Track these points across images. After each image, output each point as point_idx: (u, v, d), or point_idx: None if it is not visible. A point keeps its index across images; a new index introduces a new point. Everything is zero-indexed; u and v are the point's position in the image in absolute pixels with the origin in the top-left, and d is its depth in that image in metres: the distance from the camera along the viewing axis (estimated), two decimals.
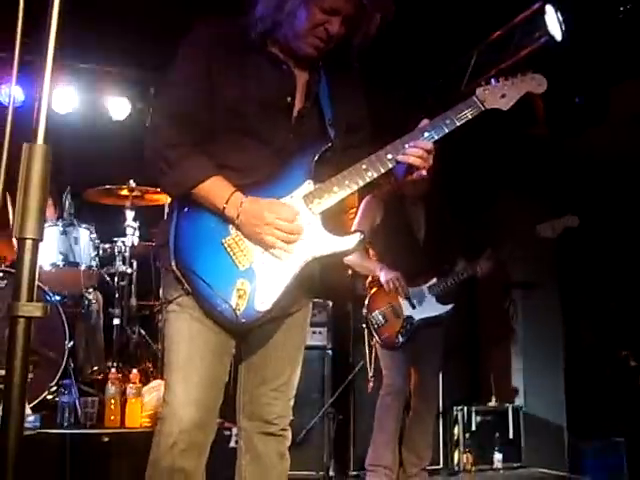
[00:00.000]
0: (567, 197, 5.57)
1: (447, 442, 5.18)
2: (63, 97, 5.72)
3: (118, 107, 5.98)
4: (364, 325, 4.30)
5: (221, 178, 2.04)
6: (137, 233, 5.04)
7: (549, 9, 4.61)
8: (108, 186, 5.04)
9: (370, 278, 4.36)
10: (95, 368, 4.70)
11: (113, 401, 4.02)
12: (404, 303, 4.18)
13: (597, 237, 5.72)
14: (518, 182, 5.82)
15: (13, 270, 4.03)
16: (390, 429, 4.18)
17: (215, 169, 2.05)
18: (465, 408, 5.25)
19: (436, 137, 2.12)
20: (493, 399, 5.50)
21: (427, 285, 4.23)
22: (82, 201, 5.11)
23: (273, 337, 2.22)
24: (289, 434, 2.30)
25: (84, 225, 4.87)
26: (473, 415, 5.23)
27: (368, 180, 2.09)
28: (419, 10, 4.69)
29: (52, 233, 4.69)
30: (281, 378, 2.25)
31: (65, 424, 3.93)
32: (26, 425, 3.55)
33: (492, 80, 2.21)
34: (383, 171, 2.10)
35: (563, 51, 4.79)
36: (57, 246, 4.70)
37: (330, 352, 4.82)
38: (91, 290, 4.82)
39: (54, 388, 4.17)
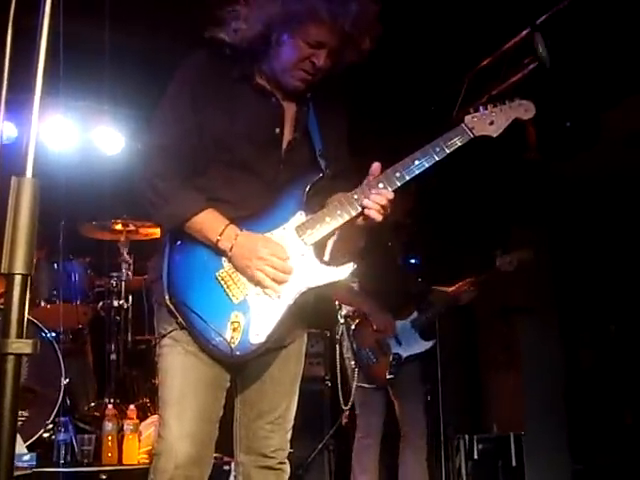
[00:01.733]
0: (562, 221, 5.58)
1: (449, 471, 5.11)
2: (57, 133, 5.73)
3: (111, 143, 5.99)
4: (353, 363, 4.21)
5: (214, 211, 2.05)
6: (132, 268, 5.02)
7: (537, 36, 4.65)
8: (102, 221, 5.03)
9: (354, 309, 4.32)
10: (92, 405, 4.65)
11: (110, 438, 3.98)
12: (390, 340, 4.15)
13: (594, 260, 5.72)
14: (508, 207, 5.83)
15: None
16: (373, 469, 4.17)
17: (208, 204, 2.06)
18: (467, 436, 5.19)
19: (427, 165, 2.13)
20: (494, 427, 5.45)
21: (410, 319, 4.21)
22: (77, 236, 5.09)
23: (269, 370, 2.21)
24: (287, 467, 2.27)
25: (79, 260, 4.85)
26: (475, 443, 5.17)
27: (360, 210, 2.10)
28: (409, 38, 4.75)
29: (47, 269, 4.67)
30: (278, 411, 2.24)
31: (62, 462, 3.88)
32: (22, 464, 3.49)
33: (480, 107, 2.23)
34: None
35: (552, 77, 4.83)
36: (52, 282, 4.68)
37: (329, 383, 4.78)
38: (86, 326, 4.79)
39: (50, 426, 4.11)
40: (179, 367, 2.07)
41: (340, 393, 4.27)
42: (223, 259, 2.05)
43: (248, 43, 2.10)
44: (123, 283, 4.97)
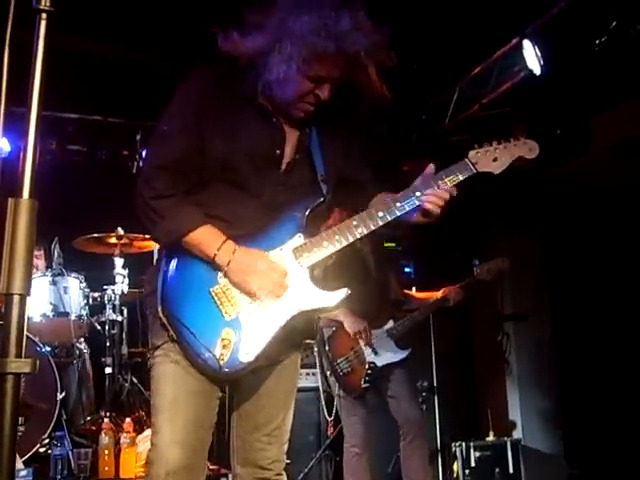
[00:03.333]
0: (555, 227, 5.61)
1: (447, 479, 5.12)
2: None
3: (103, 155, 6.00)
4: (329, 373, 4.22)
5: (212, 227, 2.05)
6: (126, 281, 5.03)
7: (527, 44, 4.69)
8: (96, 234, 5.03)
9: (330, 318, 4.32)
10: (88, 418, 4.64)
11: (107, 451, 3.97)
12: (366, 349, 4.16)
13: (587, 265, 5.74)
14: (503, 214, 5.85)
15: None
16: (364, 477, 4.14)
17: (206, 220, 2.06)
18: (463, 444, 5.19)
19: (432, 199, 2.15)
20: (491, 434, 5.45)
21: (386, 328, 4.22)
22: (70, 250, 5.09)
23: (264, 383, 2.21)
24: (284, 479, 2.27)
25: (73, 274, 4.86)
26: (472, 451, 5.17)
27: (358, 237, 2.12)
28: (399, 47, 4.77)
29: (42, 283, 4.68)
30: (274, 423, 2.24)
31: (58, 477, 3.88)
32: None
33: (485, 144, 2.24)
34: (373, 228, 2.13)
35: (542, 84, 4.86)
36: (47, 296, 4.69)
37: (323, 393, 4.78)
38: (82, 340, 4.79)
39: (46, 441, 4.11)
40: (170, 375, 2.07)
41: (322, 403, 4.29)
42: (219, 275, 2.06)
43: (251, 59, 2.09)
44: (118, 296, 4.97)
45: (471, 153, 2.21)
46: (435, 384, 4.99)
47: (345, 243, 2.12)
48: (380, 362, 4.16)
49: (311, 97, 2.09)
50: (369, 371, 4.12)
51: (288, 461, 2.31)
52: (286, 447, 2.28)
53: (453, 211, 2.21)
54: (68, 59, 4.47)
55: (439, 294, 4.33)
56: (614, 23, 4.50)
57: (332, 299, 2.11)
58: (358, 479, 4.15)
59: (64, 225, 5.05)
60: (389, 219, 2.14)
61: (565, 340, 5.83)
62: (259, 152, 2.13)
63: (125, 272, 5.03)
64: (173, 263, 2.08)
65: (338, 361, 4.18)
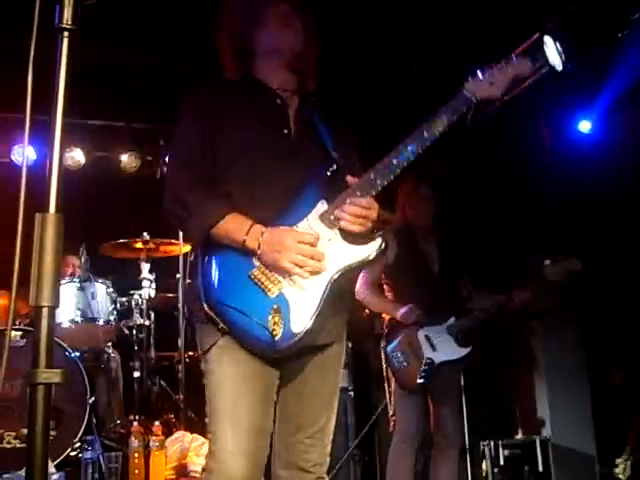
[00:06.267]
0: (582, 221, 5.55)
1: (475, 478, 5.09)
2: (73, 154, 5.81)
3: (128, 160, 6.06)
4: (384, 364, 4.24)
5: (237, 214, 2.09)
6: (153, 285, 5.07)
7: (547, 39, 4.65)
8: (122, 240, 5.08)
9: (387, 316, 4.33)
10: (117, 422, 4.70)
11: (137, 455, 4.01)
12: (424, 344, 4.12)
13: (614, 262, 5.68)
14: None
15: (31, 329, 4.08)
16: (405, 476, 4.10)
17: (231, 209, 2.10)
18: (492, 442, 5.16)
19: (437, 135, 2.13)
20: (520, 432, 5.42)
21: (446, 325, 4.18)
22: (97, 256, 5.15)
23: (308, 382, 2.20)
24: None
25: (100, 280, 4.91)
26: (500, 449, 5.14)
27: (379, 189, 2.12)
28: (418, 46, 4.78)
29: (69, 289, 4.73)
30: (317, 424, 2.22)
31: None
32: None
33: (477, 71, 2.20)
34: (392, 177, 2.13)
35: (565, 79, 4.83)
36: (75, 302, 4.74)
37: (351, 393, 4.79)
38: (110, 344, 4.85)
39: (77, 444, 4.16)
40: (231, 378, 2.07)
41: (388, 399, 4.25)
42: (254, 259, 2.08)
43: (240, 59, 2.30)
44: (145, 301, 5.02)
45: (466, 84, 2.18)
46: (462, 382, 4.96)
47: (368, 197, 2.12)
48: (438, 359, 4.10)
49: (283, 38, 2.27)
50: (425, 367, 4.09)
51: None
52: (329, 449, 2.26)
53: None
54: (91, 66, 4.53)
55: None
56: (636, 15, 4.47)
57: (367, 250, 2.11)
58: (399, 474, 4.13)
59: (90, 231, 5.12)
60: (408, 153, 2.12)
61: (594, 336, 5.77)
62: (268, 136, 2.22)
63: (152, 277, 5.08)
64: (208, 260, 2.11)
65: (393, 354, 4.17)
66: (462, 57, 5.03)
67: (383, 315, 4.38)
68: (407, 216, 4.40)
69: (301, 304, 2.04)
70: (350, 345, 4.88)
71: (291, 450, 2.21)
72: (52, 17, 1.36)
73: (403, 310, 4.10)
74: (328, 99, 2.42)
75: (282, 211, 2.13)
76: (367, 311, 4.85)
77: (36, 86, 1.35)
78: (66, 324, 4.68)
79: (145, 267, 5.07)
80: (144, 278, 5.04)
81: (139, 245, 5.11)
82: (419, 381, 4.06)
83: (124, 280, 5.21)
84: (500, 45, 4.96)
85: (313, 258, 2.04)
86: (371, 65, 5.11)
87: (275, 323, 2.01)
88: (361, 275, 4.27)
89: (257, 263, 2.08)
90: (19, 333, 4.19)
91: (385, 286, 4.36)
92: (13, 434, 4.00)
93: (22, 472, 3.67)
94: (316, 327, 2.05)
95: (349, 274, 2.13)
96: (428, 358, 4.09)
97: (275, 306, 2.03)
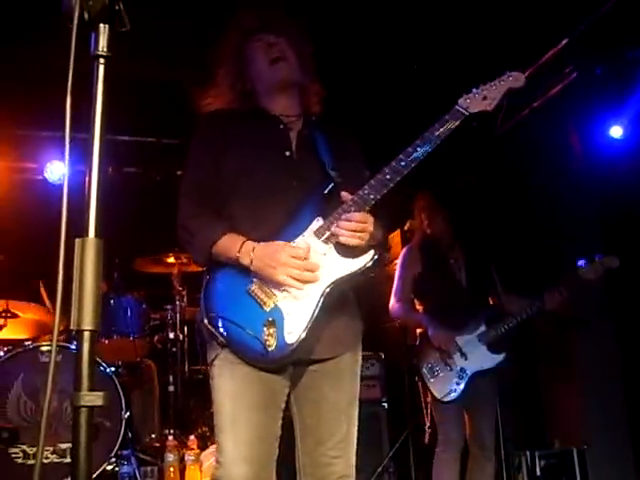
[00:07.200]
0: (615, 224, 5.48)
1: None
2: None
3: (157, 176, 6.12)
4: (416, 378, 4.22)
5: (233, 234, 2.20)
6: (185, 299, 5.11)
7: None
8: (154, 255, 5.13)
9: (420, 329, 4.32)
10: (153, 436, 4.73)
11: (172, 469, 4.04)
12: (456, 354, 4.10)
13: None
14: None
15: (68, 345, 4.13)
16: None
17: (229, 229, 2.22)
18: (528, 453, 5.09)
19: (428, 149, 2.22)
20: (556, 442, 5.35)
21: (477, 334, 4.15)
22: (130, 271, 5.20)
23: (323, 394, 2.25)
24: None
25: (134, 295, 4.96)
26: (537, 460, 5.08)
27: (373, 203, 2.18)
28: (448, 53, 4.76)
29: (103, 305, 4.77)
30: (337, 435, 2.24)
31: None
32: None
33: (473, 89, 2.34)
34: (385, 191, 2.19)
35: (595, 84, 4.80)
36: (109, 317, 4.79)
37: (385, 405, 4.77)
38: (145, 359, 4.89)
39: (113, 459, 4.19)
40: (229, 392, 2.16)
41: (425, 412, 4.23)
42: (252, 275, 2.17)
43: (238, 91, 2.44)
44: (178, 315, 5.06)
45: (460, 100, 2.31)
46: (497, 391, 4.91)
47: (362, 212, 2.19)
48: (470, 369, 4.09)
49: (273, 74, 2.40)
50: (460, 378, 4.07)
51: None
52: (354, 461, 2.28)
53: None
54: (121, 82, 4.58)
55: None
56: None
57: (359, 262, 2.18)
58: None
59: (122, 247, 5.17)
60: (400, 169, 2.20)
61: (630, 343, 5.69)
62: (271, 159, 2.34)
63: (184, 291, 5.12)
64: (211, 278, 2.24)
65: (424, 367, 4.15)
66: (493, 67, 5.03)
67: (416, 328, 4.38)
68: (426, 231, 4.42)
69: (295, 315, 2.13)
70: (383, 356, 4.88)
71: (315, 464, 2.25)
72: (86, 40, 1.39)
73: (432, 332, 4.10)
74: (332, 112, 2.54)
75: (281, 230, 2.22)
76: (398, 323, 4.85)
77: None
78: (101, 339, 4.72)
79: (177, 281, 5.11)
80: (176, 292, 5.08)
81: (171, 260, 5.15)
82: (453, 393, 4.04)
83: (157, 295, 5.25)
84: (531, 52, 4.99)
85: (307, 270, 2.12)
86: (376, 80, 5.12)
87: (269, 334, 2.10)
88: (393, 291, 4.30)
89: (255, 279, 2.17)
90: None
91: (415, 300, 4.36)
92: (51, 449, 4.04)
93: None
94: (311, 337, 2.13)
95: (344, 285, 2.20)
96: (460, 368, 4.06)
97: (270, 319, 2.12)
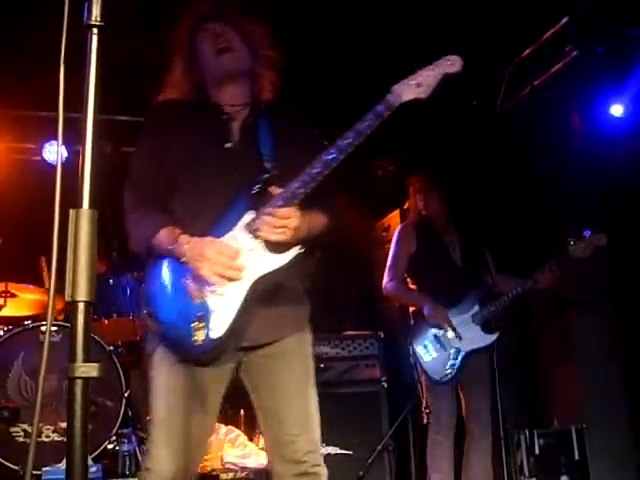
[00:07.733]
0: (616, 205, 5.46)
1: (511, 468, 5.06)
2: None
3: None
4: (411, 359, 4.23)
5: (170, 227, 2.22)
6: None
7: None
8: None
9: (413, 308, 4.32)
10: None
11: None
12: (450, 334, 4.11)
13: None
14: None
15: (67, 324, 4.13)
16: (444, 468, 4.09)
17: (168, 222, 2.24)
18: (527, 432, 5.12)
19: (360, 140, 2.15)
20: (555, 421, 5.37)
21: (471, 313, 4.16)
22: (129, 251, 5.19)
23: (276, 377, 2.31)
24: (324, 470, 2.29)
25: (133, 275, 4.95)
26: (536, 439, 5.10)
27: (302, 197, 2.18)
28: (448, 32, 4.73)
29: (102, 284, 4.78)
30: (295, 414, 2.29)
31: (127, 472, 3.97)
32: (89, 476, 3.59)
33: (409, 75, 2.19)
34: (314, 184, 2.17)
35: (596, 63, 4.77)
36: (108, 297, 4.79)
37: (384, 384, 4.78)
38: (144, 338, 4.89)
39: (114, 437, 4.21)
40: (163, 386, 2.23)
41: (421, 392, 4.23)
42: (189, 267, 2.20)
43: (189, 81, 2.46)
44: None
45: (392, 88, 2.18)
46: (496, 370, 4.93)
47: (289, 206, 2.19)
48: (464, 348, 4.10)
49: (220, 65, 2.39)
50: (454, 358, 4.08)
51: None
52: (317, 436, 2.32)
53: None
54: (121, 61, 4.54)
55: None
56: None
57: (283, 258, 2.19)
58: (439, 470, 4.11)
59: (121, 227, 5.15)
60: (330, 162, 2.15)
61: (629, 322, 5.69)
62: (210, 150, 2.35)
63: None
64: (149, 269, 2.29)
65: (418, 347, 4.15)
66: (494, 46, 5.00)
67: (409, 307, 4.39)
68: (422, 212, 4.41)
69: (221, 312, 2.17)
70: (382, 336, 4.88)
71: (280, 444, 2.29)
72: (79, 15, 1.37)
73: (427, 310, 4.09)
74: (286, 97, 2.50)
75: (214, 224, 2.24)
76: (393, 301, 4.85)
77: (66, 84, 1.36)
78: (100, 319, 4.73)
79: None
80: None
81: None
82: (447, 372, 4.05)
83: None
84: (531, 31, 4.95)
85: (231, 268, 2.13)
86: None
87: (198, 329, 2.14)
88: (386, 271, 4.31)
89: (190, 272, 2.20)
90: (54, 328, 4.25)
91: (409, 279, 4.36)
92: (51, 428, 4.07)
93: (61, 465, 3.74)
94: (241, 329, 2.18)
95: (278, 276, 2.22)
96: (455, 348, 4.08)
97: (199, 314, 2.16)
